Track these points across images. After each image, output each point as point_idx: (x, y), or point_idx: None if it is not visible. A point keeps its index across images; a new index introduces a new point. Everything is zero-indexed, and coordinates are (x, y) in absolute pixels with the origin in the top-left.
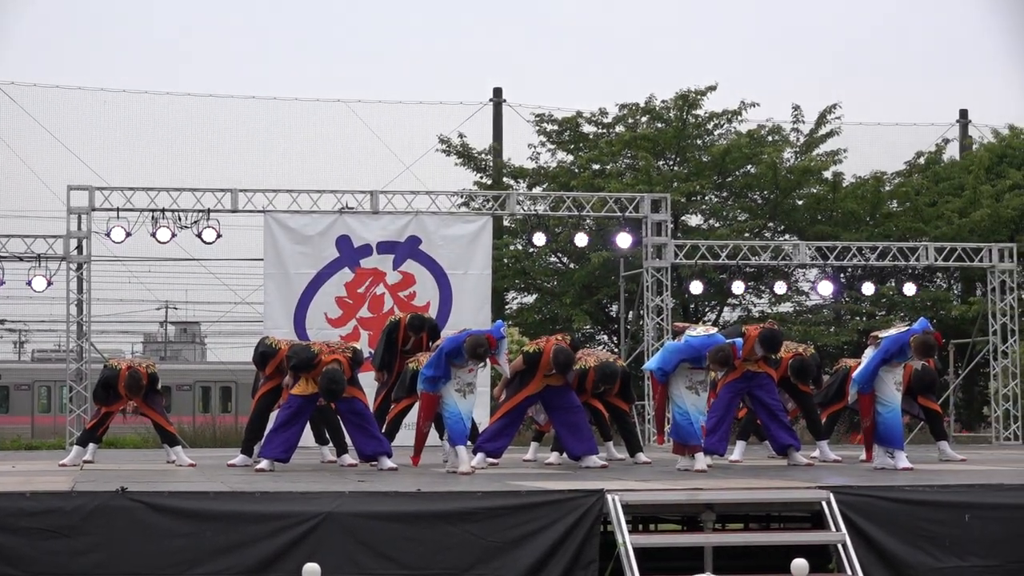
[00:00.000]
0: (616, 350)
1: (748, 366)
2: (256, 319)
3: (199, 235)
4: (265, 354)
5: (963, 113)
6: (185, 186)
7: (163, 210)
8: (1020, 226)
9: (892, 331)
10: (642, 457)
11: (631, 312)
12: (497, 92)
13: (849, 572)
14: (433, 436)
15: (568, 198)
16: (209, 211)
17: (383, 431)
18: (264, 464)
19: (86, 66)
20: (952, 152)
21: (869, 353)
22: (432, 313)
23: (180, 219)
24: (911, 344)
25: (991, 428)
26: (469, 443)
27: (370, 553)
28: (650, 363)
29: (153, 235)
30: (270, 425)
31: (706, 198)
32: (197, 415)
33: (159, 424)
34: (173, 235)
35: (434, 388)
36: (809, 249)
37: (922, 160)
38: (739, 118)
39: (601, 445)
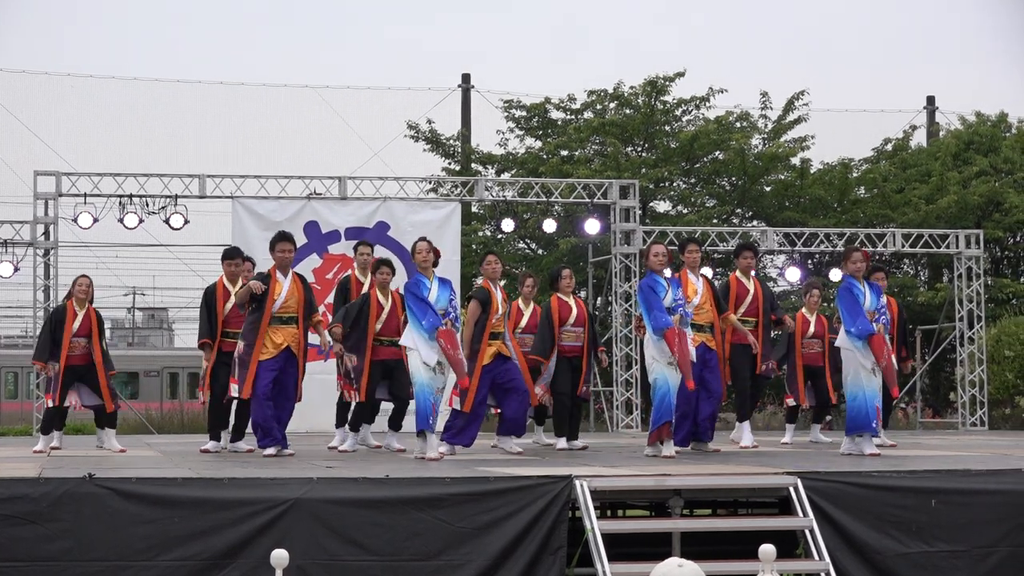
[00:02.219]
0: None
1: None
2: None
3: (167, 221)
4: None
5: (930, 100)
6: (153, 172)
7: (130, 196)
8: (986, 213)
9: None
10: (577, 444)
11: (599, 298)
12: (465, 78)
13: (816, 557)
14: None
15: (536, 184)
16: (177, 197)
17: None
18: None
19: (53, 51)
20: (919, 139)
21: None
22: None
23: (148, 205)
24: (843, 266)
25: (957, 414)
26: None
27: (339, 539)
28: None
29: (120, 221)
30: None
31: (674, 184)
32: (165, 401)
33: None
34: (141, 221)
35: (436, 325)
36: (777, 235)
37: (889, 147)
38: (707, 104)
39: (531, 431)
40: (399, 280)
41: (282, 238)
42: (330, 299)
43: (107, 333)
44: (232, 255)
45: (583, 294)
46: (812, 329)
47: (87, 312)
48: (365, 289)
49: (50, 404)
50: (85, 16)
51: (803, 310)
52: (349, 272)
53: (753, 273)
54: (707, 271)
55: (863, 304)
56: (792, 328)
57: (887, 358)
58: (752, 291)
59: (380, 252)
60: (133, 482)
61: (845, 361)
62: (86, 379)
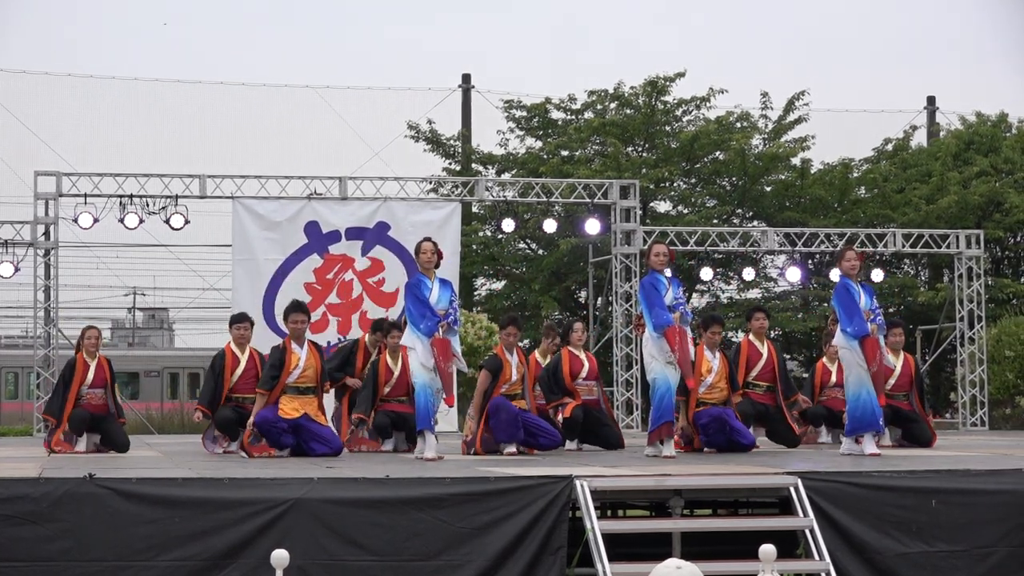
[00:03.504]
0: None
1: None
2: (224, 305)
3: (167, 221)
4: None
5: (931, 100)
6: (153, 172)
7: (131, 196)
8: (987, 213)
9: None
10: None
11: (600, 298)
12: (466, 78)
13: (816, 557)
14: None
15: (537, 184)
16: (177, 197)
17: None
18: None
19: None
20: (920, 139)
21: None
22: (399, 300)
23: (148, 205)
24: (838, 265)
25: (958, 414)
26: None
27: (339, 539)
28: None
29: (121, 221)
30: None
31: (674, 184)
32: (165, 401)
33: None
34: (141, 221)
35: (432, 330)
36: (777, 235)
37: (890, 147)
38: (708, 105)
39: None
40: (398, 280)
41: (295, 308)
42: (332, 299)
43: (107, 335)
44: (240, 319)
45: (583, 294)
46: (833, 379)
47: (99, 363)
48: (373, 357)
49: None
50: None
51: (824, 360)
52: (358, 340)
53: (765, 335)
54: (707, 272)
55: (858, 303)
56: (807, 405)
57: (878, 363)
58: (765, 355)
59: (380, 252)
60: (133, 482)
61: (844, 361)
62: (102, 427)
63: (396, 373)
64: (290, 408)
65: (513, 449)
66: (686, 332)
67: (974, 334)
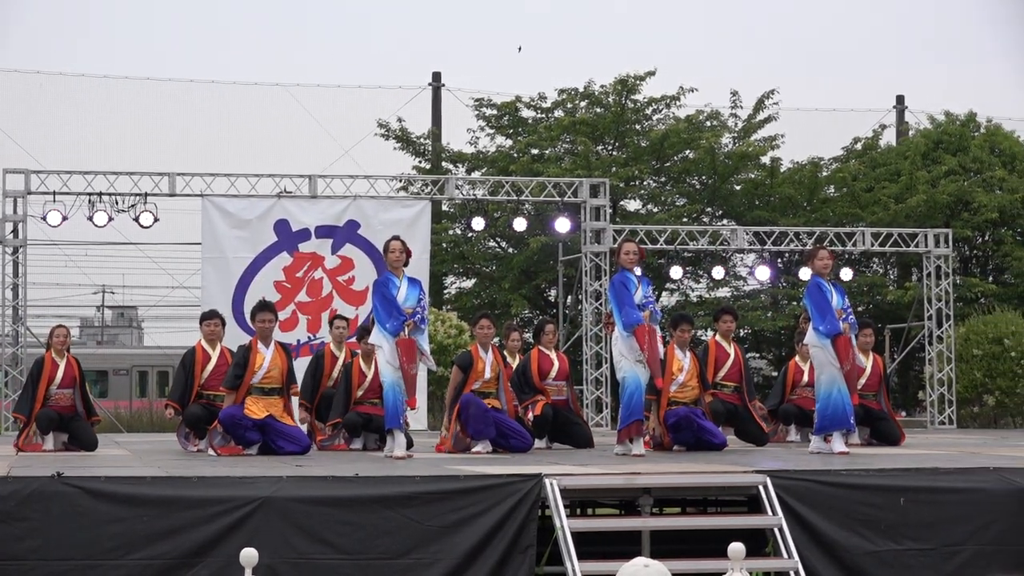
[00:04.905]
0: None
1: None
2: (194, 303)
3: (136, 219)
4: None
5: (900, 99)
6: (122, 170)
7: (100, 194)
8: (955, 212)
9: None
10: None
11: (569, 297)
12: (436, 76)
13: (785, 556)
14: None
15: (507, 183)
16: (146, 195)
17: None
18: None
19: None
20: (889, 138)
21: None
22: (369, 298)
23: (117, 203)
24: (810, 264)
25: (926, 412)
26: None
27: (308, 538)
28: None
29: (90, 219)
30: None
31: (644, 183)
32: (134, 400)
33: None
34: (110, 219)
35: (397, 329)
36: (747, 234)
37: (859, 146)
38: (677, 103)
39: None
40: (368, 278)
41: (263, 308)
42: (302, 297)
43: (76, 333)
44: (210, 316)
45: (553, 293)
46: (805, 378)
47: (68, 362)
48: (340, 361)
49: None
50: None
51: (796, 359)
52: (324, 345)
53: (732, 336)
54: (677, 271)
55: (831, 302)
56: (763, 411)
57: (851, 362)
58: (733, 356)
59: (350, 251)
60: (102, 481)
61: (816, 360)
62: (70, 426)
63: (369, 376)
64: (256, 408)
65: (480, 448)
66: (656, 331)
67: (942, 333)
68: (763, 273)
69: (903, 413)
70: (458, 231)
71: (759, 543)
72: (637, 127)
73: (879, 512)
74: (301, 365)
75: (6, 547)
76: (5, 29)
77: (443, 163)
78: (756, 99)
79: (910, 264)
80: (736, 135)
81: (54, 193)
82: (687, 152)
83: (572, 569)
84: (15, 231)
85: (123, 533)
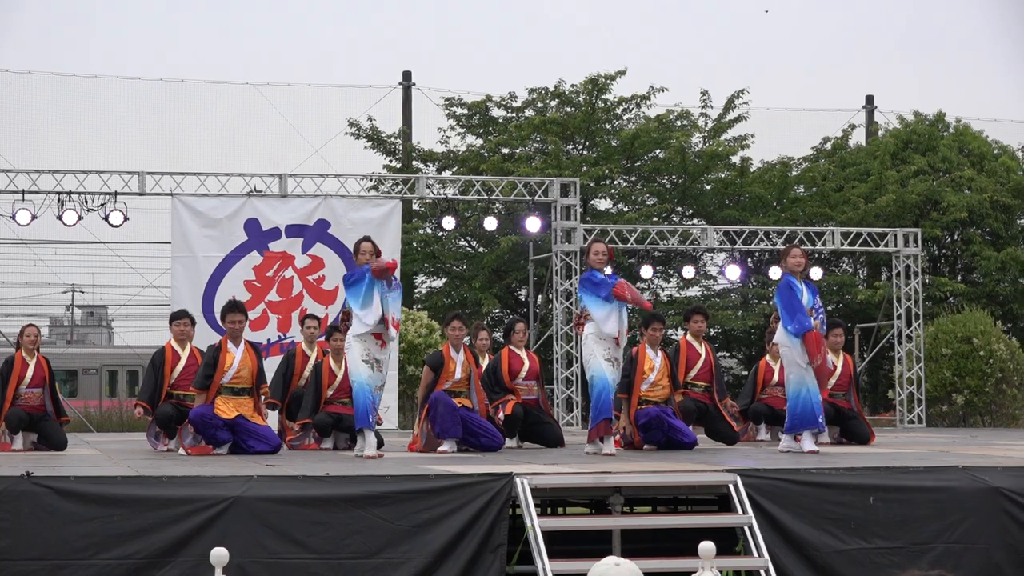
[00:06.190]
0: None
1: None
2: (164, 303)
3: (106, 218)
4: None
5: (869, 99)
6: (92, 168)
7: (69, 193)
8: (924, 211)
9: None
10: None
11: (540, 296)
12: (406, 76)
13: (755, 554)
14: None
15: (477, 182)
16: (116, 194)
17: None
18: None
19: None
20: (858, 138)
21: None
22: (339, 297)
23: (87, 202)
24: (782, 263)
25: (896, 411)
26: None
27: (278, 538)
28: None
29: (59, 218)
30: None
31: (615, 182)
32: (104, 399)
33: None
34: (80, 218)
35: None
36: (717, 233)
37: (828, 145)
38: (648, 103)
39: None
40: (338, 278)
41: (232, 308)
42: (272, 297)
43: (46, 332)
44: (180, 316)
45: (523, 292)
46: (776, 378)
47: (38, 362)
48: (312, 361)
49: None
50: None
51: (767, 358)
52: (295, 344)
53: (703, 336)
54: (647, 270)
55: (801, 300)
56: (735, 409)
57: (822, 357)
58: (703, 356)
59: (320, 250)
60: (72, 480)
61: (785, 359)
62: (39, 426)
63: (339, 376)
64: (226, 408)
65: (447, 448)
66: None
67: (912, 332)
68: (733, 272)
69: (878, 412)
70: (429, 230)
71: (729, 542)
72: (608, 126)
73: (849, 511)
74: (271, 365)
75: None
76: None
77: (414, 162)
78: (726, 99)
79: (880, 264)
80: (706, 135)
81: (23, 192)
82: (657, 152)
83: (543, 568)
84: None
85: (93, 533)
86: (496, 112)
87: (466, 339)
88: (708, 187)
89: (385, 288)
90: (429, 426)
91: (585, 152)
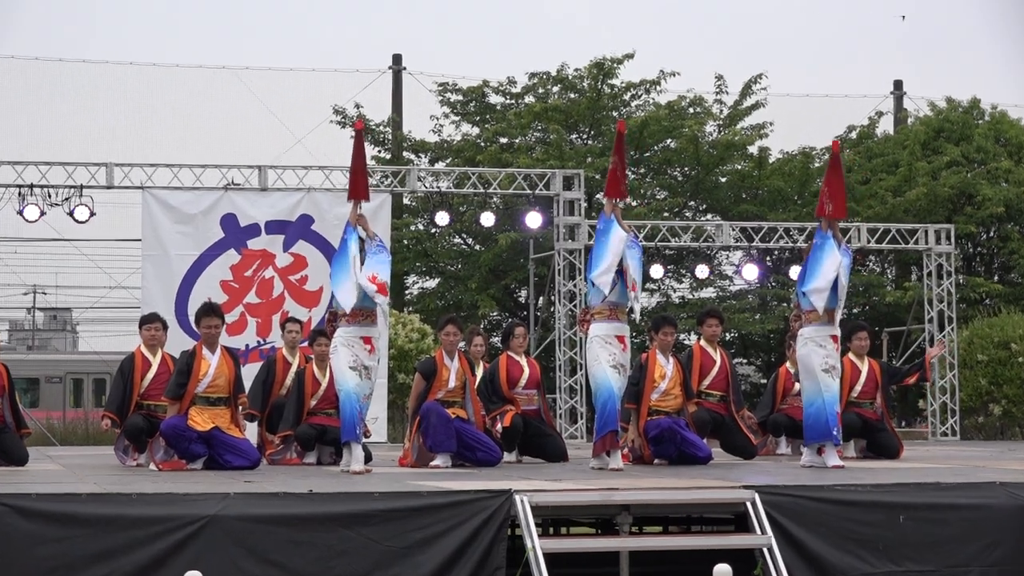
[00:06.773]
0: None
1: None
2: (133, 305)
3: (71, 213)
4: None
5: (898, 84)
6: (56, 160)
7: (31, 185)
8: (958, 206)
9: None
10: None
11: (541, 298)
12: (397, 59)
13: None
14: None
15: (473, 174)
16: (82, 187)
17: None
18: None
19: None
20: (886, 126)
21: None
22: (324, 299)
23: (50, 196)
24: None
25: (927, 423)
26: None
27: (258, 560)
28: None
29: (20, 213)
30: None
31: None
32: (68, 410)
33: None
34: (42, 213)
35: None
36: (733, 230)
37: (854, 135)
38: (658, 88)
39: None
40: (322, 278)
41: (208, 312)
42: (251, 298)
43: (5, 337)
44: (151, 320)
45: (523, 293)
46: (797, 387)
47: None
48: (294, 368)
49: None
50: None
51: (787, 365)
52: (276, 350)
53: (718, 341)
54: (658, 270)
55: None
56: (752, 421)
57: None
58: (719, 363)
59: (303, 248)
60: (33, 498)
61: (801, 364)
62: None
63: (324, 384)
64: (200, 420)
65: (440, 462)
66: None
67: (944, 336)
68: (751, 272)
69: (903, 423)
70: (421, 227)
71: (747, 564)
72: (614, 114)
73: (876, 531)
74: (250, 372)
75: None
76: None
77: (404, 153)
78: (743, 84)
79: (909, 262)
80: (721, 123)
81: None
82: (668, 141)
83: None
84: None
85: (57, 555)
86: (494, 98)
87: (461, 344)
88: (723, 180)
89: (368, 244)
90: (421, 439)
91: (590, 142)
